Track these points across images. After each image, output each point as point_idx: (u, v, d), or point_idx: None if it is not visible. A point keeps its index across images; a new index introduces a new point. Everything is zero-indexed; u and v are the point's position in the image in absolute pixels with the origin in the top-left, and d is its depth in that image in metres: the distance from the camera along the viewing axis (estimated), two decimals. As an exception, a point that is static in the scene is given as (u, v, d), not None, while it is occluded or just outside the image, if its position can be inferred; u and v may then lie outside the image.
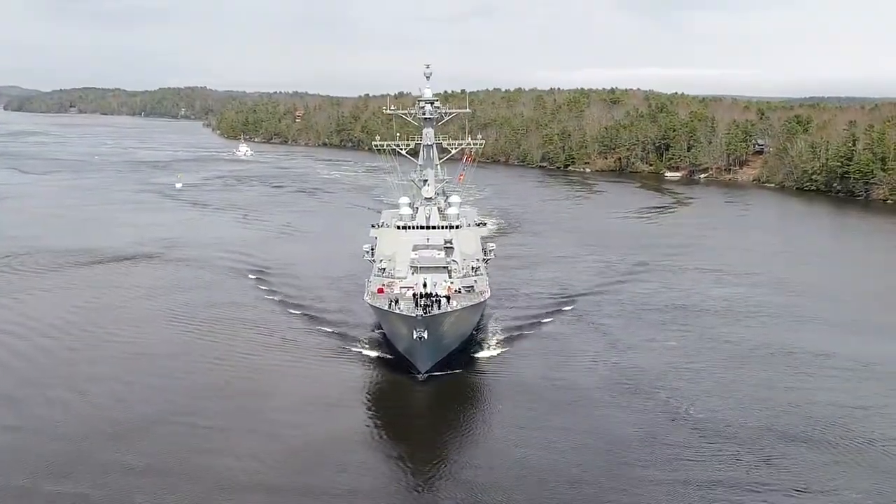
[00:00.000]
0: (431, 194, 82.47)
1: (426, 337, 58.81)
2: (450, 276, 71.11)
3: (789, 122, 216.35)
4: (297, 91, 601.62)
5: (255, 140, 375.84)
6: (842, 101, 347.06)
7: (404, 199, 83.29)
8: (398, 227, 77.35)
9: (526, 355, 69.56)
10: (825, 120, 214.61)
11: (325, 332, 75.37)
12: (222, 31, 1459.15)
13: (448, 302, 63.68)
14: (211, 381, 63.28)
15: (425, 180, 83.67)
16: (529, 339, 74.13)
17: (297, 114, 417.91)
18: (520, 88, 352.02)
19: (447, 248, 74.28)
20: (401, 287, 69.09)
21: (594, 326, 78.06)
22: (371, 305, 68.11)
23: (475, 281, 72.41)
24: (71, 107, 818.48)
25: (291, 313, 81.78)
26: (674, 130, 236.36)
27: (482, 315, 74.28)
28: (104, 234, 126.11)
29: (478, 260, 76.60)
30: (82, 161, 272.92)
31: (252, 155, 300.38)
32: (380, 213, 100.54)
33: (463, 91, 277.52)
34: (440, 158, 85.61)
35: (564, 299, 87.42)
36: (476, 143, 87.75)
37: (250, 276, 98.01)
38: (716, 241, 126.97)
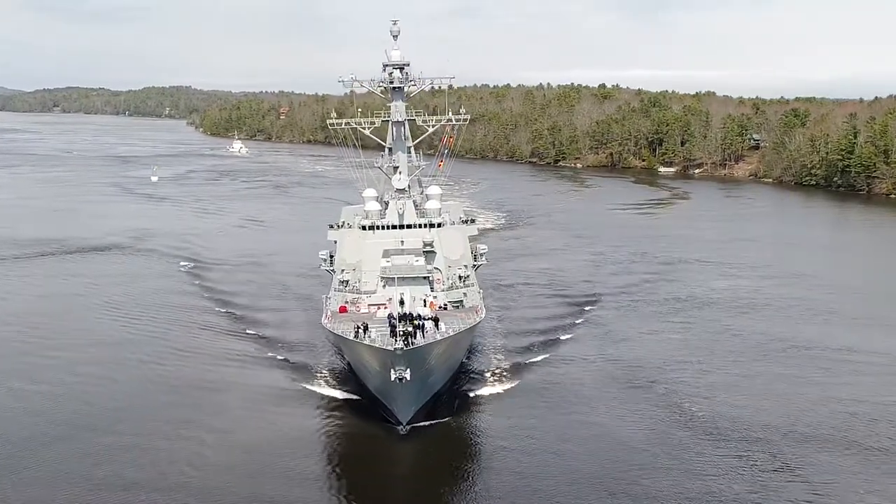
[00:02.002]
0: (405, 185, 64.61)
1: (409, 378, 44.17)
2: (432, 289, 57.61)
3: (786, 116, 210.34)
4: (283, 90, 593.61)
5: (239, 137, 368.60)
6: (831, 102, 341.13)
7: (370, 192, 66.70)
8: (363, 228, 62.33)
9: (533, 389, 55.18)
10: (823, 114, 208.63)
11: (274, 360, 60.57)
12: (208, 31, 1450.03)
13: (435, 326, 49.19)
14: (133, 407, 51.71)
15: (396, 167, 66.33)
16: (537, 366, 59.60)
17: (282, 111, 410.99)
18: (508, 85, 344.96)
19: (427, 252, 59.70)
20: (369, 305, 56.27)
21: (613, 342, 65.52)
22: (332, 332, 52.99)
23: (464, 293, 58.98)
24: (55, 106, 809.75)
25: (235, 329, 68.66)
26: (667, 125, 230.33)
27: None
28: (70, 225, 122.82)
29: (466, 266, 62.05)
30: (58, 156, 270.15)
31: (248, 152, 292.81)
32: (350, 203, 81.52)
33: (451, 87, 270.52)
34: (413, 140, 69.36)
35: (576, 306, 75.78)
36: (459, 118, 69.41)
37: (202, 273, 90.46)
38: (722, 235, 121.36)
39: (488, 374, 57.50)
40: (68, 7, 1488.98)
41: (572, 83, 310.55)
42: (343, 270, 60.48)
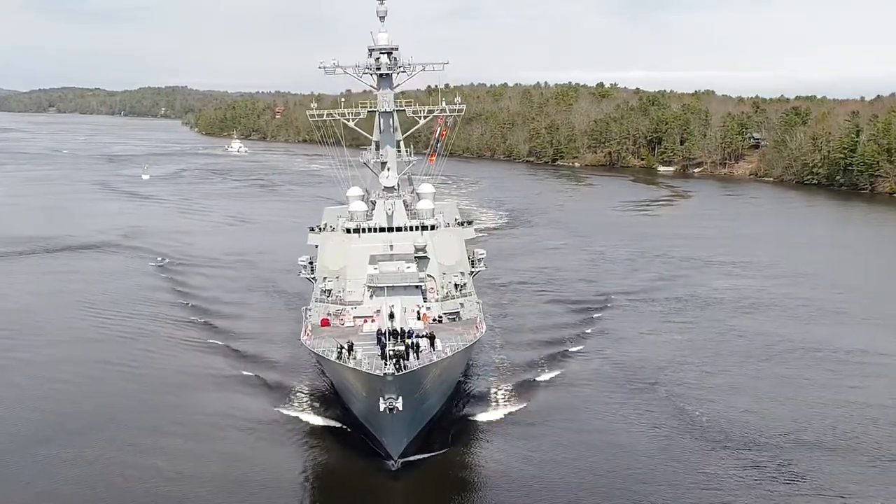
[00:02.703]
0: (394, 182, 58.67)
1: (401, 408, 38.21)
2: (425, 299, 51.89)
3: (787, 115, 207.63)
4: (280, 90, 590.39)
5: (234, 137, 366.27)
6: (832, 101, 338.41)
7: (355, 191, 60.74)
8: (348, 231, 56.37)
9: (538, 410, 49.84)
10: (824, 112, 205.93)
11: (248, 377, 54.97)
12: (208, 31, 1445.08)
13: (431, 344, 43.55)
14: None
15: (384, 163, 60.29)
16: (541, 383, 54.24)
17: (277, 110, 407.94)
18: (506, 84, 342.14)
19: (419, 258, 54.23)
20: (355, 317, 51.04)
21: (621, 350, 61.31)
22: (313, 353, 47.09)
23: (461, 304, 53.52)
24: (50, 106, 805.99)
25: (211, 339, 63.67)
26: (666, 123, 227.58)
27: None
28: (58, 223, 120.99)
29: (462, 273, 56.17)
30: (50, 155, 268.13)
31: (247, 151, 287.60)
32: (340, 203, 75.19)
33: (447, 85, 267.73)
34: (403, 134, 63.20)
35: (579, 310, 71.92)
36: (454, 109, 62.99)
37: (185, 273, 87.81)
38: (723, 234, 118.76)
39: (488, 395, 52.04)
40: (68, 7, 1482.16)
41: (570, 82, 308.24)
42: (325, 279, 54.85)
